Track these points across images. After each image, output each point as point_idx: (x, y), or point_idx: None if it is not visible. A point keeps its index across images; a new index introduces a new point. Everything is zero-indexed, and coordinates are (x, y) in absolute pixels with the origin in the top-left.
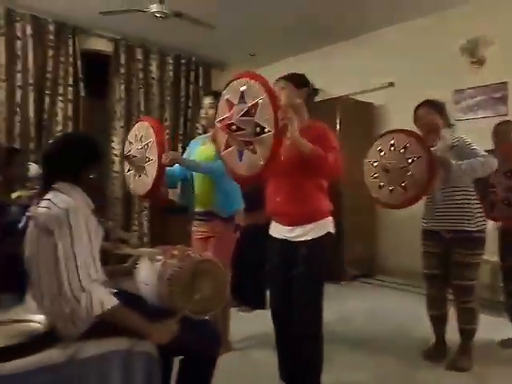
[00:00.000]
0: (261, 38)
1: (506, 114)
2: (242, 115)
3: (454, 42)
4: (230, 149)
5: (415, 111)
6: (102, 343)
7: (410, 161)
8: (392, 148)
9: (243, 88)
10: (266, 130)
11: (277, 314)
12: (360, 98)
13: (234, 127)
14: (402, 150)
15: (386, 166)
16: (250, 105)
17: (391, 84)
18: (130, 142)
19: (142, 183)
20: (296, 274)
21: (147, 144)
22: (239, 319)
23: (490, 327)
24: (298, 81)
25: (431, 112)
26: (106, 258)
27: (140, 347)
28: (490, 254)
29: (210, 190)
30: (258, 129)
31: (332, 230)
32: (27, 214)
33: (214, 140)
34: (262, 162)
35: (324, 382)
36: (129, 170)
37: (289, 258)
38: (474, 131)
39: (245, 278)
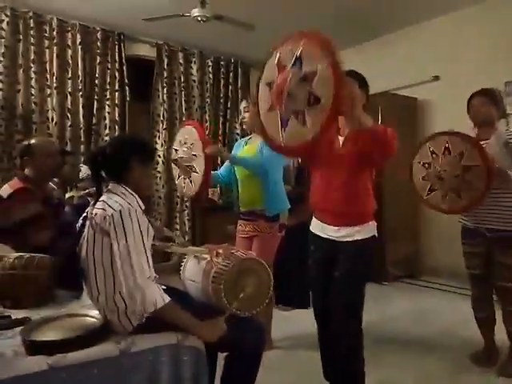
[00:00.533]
0: None
1: None
2: (297, 81)
3: (505, 29)
4: (272, 112)
5: (469, 100)
6: (153, 337)
7: (466, 169)
8: (446, 152)
9: (299, 51)
10: (321, 101)
11: (319, 312)
12: (403, 93)
13: (284, 92)
14: (457, 157)
15: (440, 174)
16: (306, 71)
17: (436, 78)
18: (176, 150)
19: (193, 182)
20: (339, 274)
21: (191, 144)
22: (281, 318)
23: None
24: (362, 81)
25: (486, 102)
26: (154, 256)
27: (188, 342)
28: None
29: (256, 190)
30: (312, 98)
31: (376, 233)
32: (84, 214)
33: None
34: (310, 136)
35: (369, 382)
36: (178, 177)
37: (333, 257)
38: None
39: (287, 276)
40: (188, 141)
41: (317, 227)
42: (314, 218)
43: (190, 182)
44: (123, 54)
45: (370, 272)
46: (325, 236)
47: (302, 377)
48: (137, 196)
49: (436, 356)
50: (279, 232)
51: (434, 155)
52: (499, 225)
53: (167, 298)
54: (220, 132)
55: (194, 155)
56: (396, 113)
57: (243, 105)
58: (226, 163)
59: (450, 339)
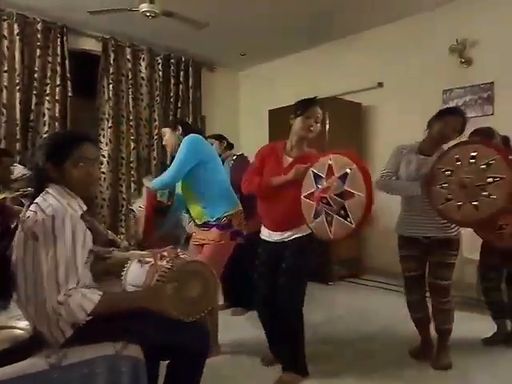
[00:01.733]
0: (251, 38)
1: (492, 114)
2: (337, 195)
3: (443, 42)
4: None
5: (442, 113)
6: (87, 349)
7: (490, 180)
8: (473, 160)
9: (348, 171)
10: (348, 219)
11: (265, 299)
12: (349, 98)
13: (325, 200)
14: (483, 166)
15: (464, 181)
16: (346, 189)
17: (380, 84)
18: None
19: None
20: (285, 265)
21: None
22: (231, 322)
23: (476, 324)
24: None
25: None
26: (96, 260)
27: (127, 351)
28: (475, 253)
29: (192, 202)
30: (342, 212)
31: None
32: (20, 216)
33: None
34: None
35: (312, 379)
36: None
37: (279, 253)
38: None
39: (239, 279)
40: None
41: (264, 234)
42: (262, 226)
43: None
44: (65, 48)
45: (312, 263)
46: (271, 240)
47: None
48: (78, 197)
49: (380, 352)
50: (232, 239)
51: (458, 162)
52: (436, 232)
53: (96, 297)
54: None
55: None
56: (342, 117)
57: (164, 130)
58: None
59: (392, 336)
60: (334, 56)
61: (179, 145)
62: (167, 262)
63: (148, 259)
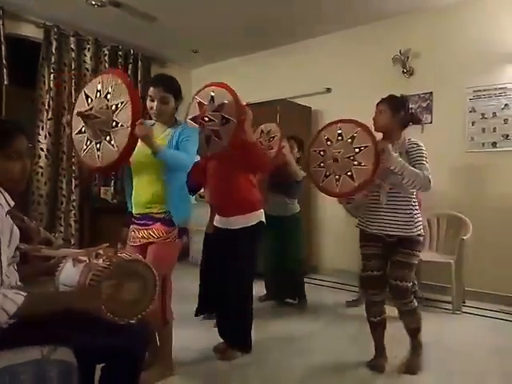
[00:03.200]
0: (204, 35)
1: (430, 122)
2: (213, 111)
3: (387, 52)
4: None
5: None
6: (10, 354)
7: (357, 150)
8: (340, 138)
9: (212, 93)
10: (230, 120)
11: (213, 284)
12: (300, 101)
13: (206, 119)
14: (349, 140)
15: (335, 156)
16: (217, 104)
17: (328, 90)
18: (88, 97)
19: (101, 152)
20: (235, 253)
21: (116, 105)
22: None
23: None
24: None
25: (384, 110)
26: (26, 259)
27: (56, 355)
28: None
29: (158, 190)
30: (223, 120)
31: (263, 219)
32: None
33: None
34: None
35: (254, 379)
36: (80, 132)
37: (227, 242)
38: None
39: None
40: (112, 98)
41: (216, 220)
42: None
43: (98, 150)
44: (1, 32)
45: (257, 249)
46: (222, 227)
47: None
48: (5, 193)
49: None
50: (179, 238)
51: (328, 142)
52: (398, 231)
53: (19, 298)
54: None
55: (117, 123)
56: (293, 119)
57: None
58: None
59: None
60: (286, 60)
61: (173, 120)
62: (103, 260)
63: (82, 258)
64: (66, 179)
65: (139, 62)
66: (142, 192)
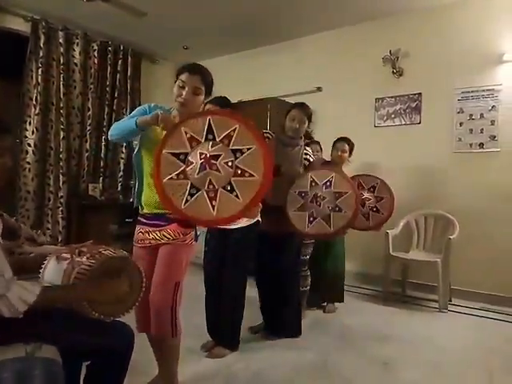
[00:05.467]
0: (195, 32)
1: (419, 123)
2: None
3: (377, 52)
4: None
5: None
6: None
7: (338, 195)
8: (328, 184)
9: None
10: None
11: (212, 281)
12: (291, 100)
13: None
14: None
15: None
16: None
17: (319, 89)
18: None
19: (218, 202)
20: (229, 252)
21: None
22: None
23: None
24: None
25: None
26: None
27: (40, 353)
28: (401, 251)
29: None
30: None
31: (260, 219)
32: None
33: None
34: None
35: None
36: (178, 178)
37: (224, 241)
38: (390, 137)
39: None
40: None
41: None
42: None
43: (212, 199)
44: None
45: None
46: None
47: None
48: None
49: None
50: (195, 241)
51: (313, 184)
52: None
53: (36, 289)
54: (105, 123)
55: (243, 171)
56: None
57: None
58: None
59: None
60: (277, 58)
61: None
62: (87, 258)
63: (65, 255)
64: (54, 175)
65: (129, 58)
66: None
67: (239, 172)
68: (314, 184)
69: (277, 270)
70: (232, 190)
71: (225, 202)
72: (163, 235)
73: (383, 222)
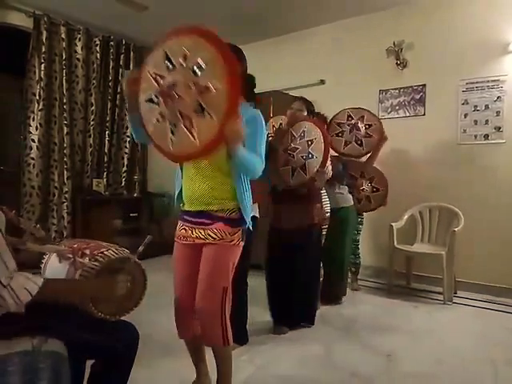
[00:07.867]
0: (197, 24)
1: (423, 114)
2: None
3: (381, 43)
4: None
5: None
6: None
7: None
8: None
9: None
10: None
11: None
12: (294, 93)
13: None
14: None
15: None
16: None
17: (322, 81)
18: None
19: (175, 137)
20: None
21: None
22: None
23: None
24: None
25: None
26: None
27: (47, 346)
28: (406, 244)
29: (223, 184)
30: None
31: (257, 214)
32: None
33: None
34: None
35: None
36: (151, 101)
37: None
38: (394, 129)
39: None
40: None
41: None
42: None
43: (172, 133)
44: None
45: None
46: None
47: None
48: None
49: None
50: (242, 240)
51: (292, 137)
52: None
53: (39, 280)
54: (108, 118)
55: (202, 107)
56: (286, 110)
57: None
58: None
59: None
60: (279, 51)
61: None
62: (89, 260)
63: (68, 255)
64: (58, 171)
65: (131, 53)
66: (199, 186)
67: (203, 87)
68: (293, 138)
69: (299, 266)
70: (203, 110)
71: (202, 127)
72: (208, 234)
73: (385, 195)
